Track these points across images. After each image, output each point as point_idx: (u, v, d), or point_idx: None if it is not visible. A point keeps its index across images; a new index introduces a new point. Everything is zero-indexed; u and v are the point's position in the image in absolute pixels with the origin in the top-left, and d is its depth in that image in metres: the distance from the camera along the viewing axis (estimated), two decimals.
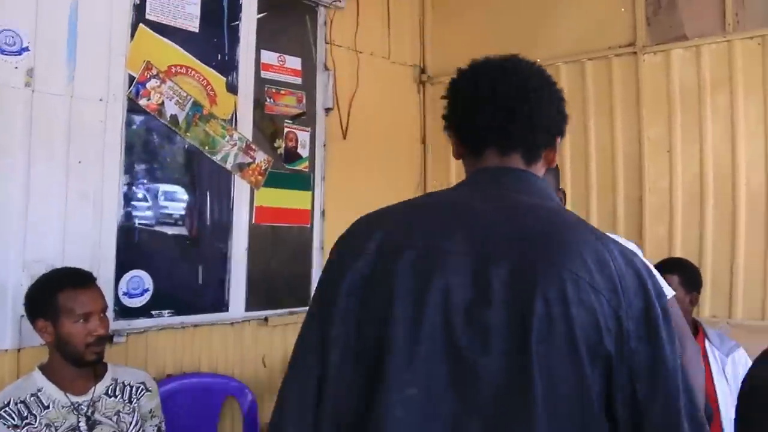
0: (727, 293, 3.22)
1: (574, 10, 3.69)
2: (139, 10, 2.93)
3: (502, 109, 1.24)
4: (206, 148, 3.13)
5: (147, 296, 2.94)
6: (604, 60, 3.58)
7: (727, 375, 2.72)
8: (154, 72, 2.95)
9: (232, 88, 3.25)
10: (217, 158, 3.18)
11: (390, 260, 1.14)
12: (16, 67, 2.55)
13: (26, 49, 2.58)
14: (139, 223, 2.96)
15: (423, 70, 4.25)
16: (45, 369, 2.26)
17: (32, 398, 2.19)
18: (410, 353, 1.07)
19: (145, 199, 3.03)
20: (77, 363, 2.23)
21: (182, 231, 3.14)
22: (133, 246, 2.93)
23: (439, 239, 1.14)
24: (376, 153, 3.94)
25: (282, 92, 3.46)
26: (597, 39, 3.60)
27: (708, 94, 3.30)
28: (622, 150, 3.54)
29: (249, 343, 3.32)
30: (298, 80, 3.54)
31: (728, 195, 3.26)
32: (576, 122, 3.65)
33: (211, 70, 3.16)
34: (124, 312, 2.87)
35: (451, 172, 4.12)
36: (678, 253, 3.27)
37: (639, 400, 1.05)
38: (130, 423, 2.32)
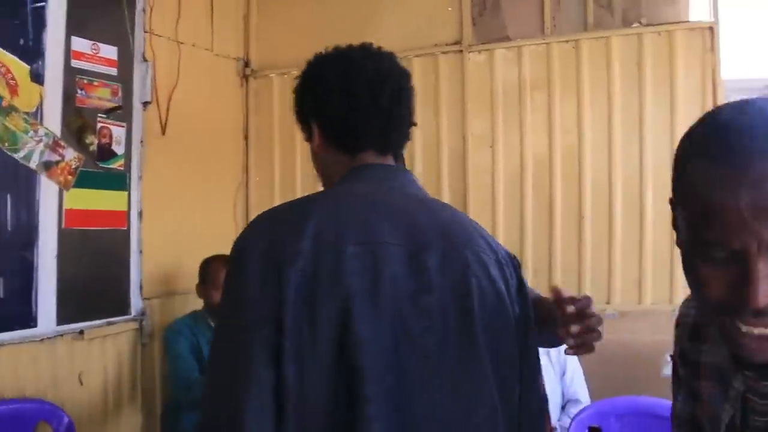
0: (546, 279, 3.40)
1: (402, 6, 3.72)
2: None
3: (381, 115, 1.27)
4: (6, 144, 2.78)
5: None
6: (430, 57, 3.63)
7: (550, 354, 2.95)
8: None
9: (38, 78, 2.88)
10: (18, 156, 2.83)
11: (333, 258, 1.10)
12: None
13: None
14: None
15: (247, 64, 4.07)
16: None
17: None
18: (378, 346, 1.08)
19: None
20: None
21: None
22: None
23: (374, 232, 1.14)
24: (197, 149, 3.72)
25: (95, 84, 3.15)
26: (424, 36, 3.64)
27: (528, 93, 3.47)
28: (447, 145, 3.62)
29: (63, 359, 2.99)
30: (114, 71, 3.22)
31: (546, 188, 3.46)
32: None
33: (12, 56, 2.78)
34: None
35: (274, 169, 4.01)
36: None
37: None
38: None
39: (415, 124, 1.37)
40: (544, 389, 1.28)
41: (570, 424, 2.76)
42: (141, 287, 3.36)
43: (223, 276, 3.27)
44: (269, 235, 1.15)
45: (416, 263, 1.13)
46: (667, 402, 2.72)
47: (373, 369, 1.06)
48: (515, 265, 1.26)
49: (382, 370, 1.07)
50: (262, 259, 1.11)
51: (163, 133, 3.46)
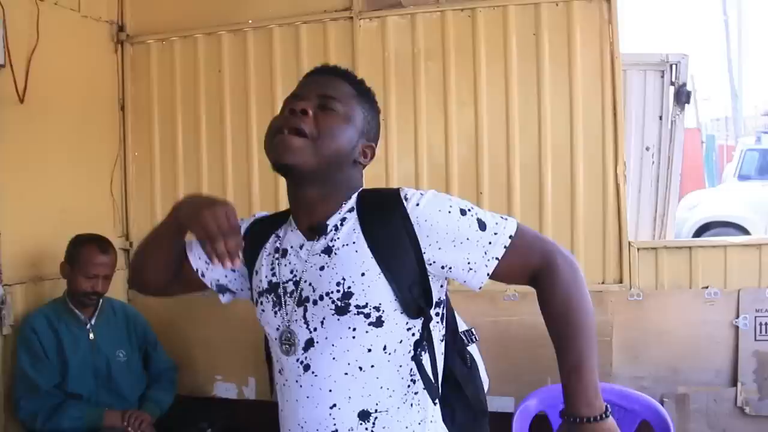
0: None
1: None
2: None
3: None
4: None
5: None
6: (319, 24, 3.41)
7: None
8: None
9: None
10: None
11: None
12: None
13: None
14: None
15: (121, 28, 3.71)
16: None
17: None
18: None
19: None
20: None
21: None
22: None
23: None
24: (65, 121, 3.36)
25: None
26: (312, 2, 3.43)
27: (422, 63, 3.31)
28: None
29: None
30: None
31: (441, 161, 3.33)
32: (290, 87, 3.44)
33: None
34: None
35: (154, 142, 3.71)
36: None
37: None
38: None
39: None
40: None
41: (514, 413, 2.69)
42: (0, 272, 3.01)
43: (97, 263, 2.98)
44: None
45: None
46: (613, 386, 2.71)
47: None
48: None
49: None
50: None
51: (22, 100, 3.07)
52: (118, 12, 3.72)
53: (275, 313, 1.44)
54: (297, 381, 1.41)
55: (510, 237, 1.38)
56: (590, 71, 3.15)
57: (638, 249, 3.15)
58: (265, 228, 1.54)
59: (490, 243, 1.37)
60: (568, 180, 3.18)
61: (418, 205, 1.37)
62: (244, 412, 3.57)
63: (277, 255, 1.47)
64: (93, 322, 3.01)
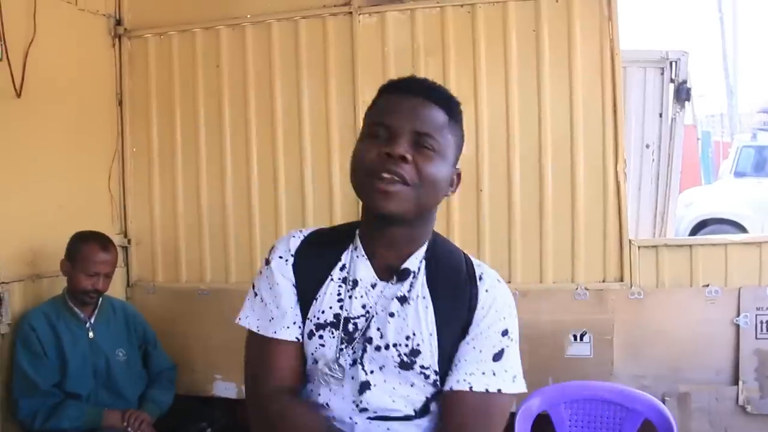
0: None
1: None
2: None
3: None
4: None
5: None
6: (318, 19, 3.39)
7: None
8: None
9: None
10: None
11: None
12: None
13: None
14: None
15: (119, 22, 3.68)
16: None
17: None
18: None
19: None
20: None
21: None
22: None
23: None
24: (63, 116, 3.34)
25: None
26: None
27: (422, 59, 3.29)
28: (337, 115, 3.40)
29: None
30: None
31: None
32: (289, 83, 3.45)
33: None
34: None
35: (152, 137, 3.69)
36: None
37: None
38: None
39: None
40: None
41: (516, 412, 2.67)
42: None
43: (98, 261, 2.94)
44: None
45: None
46: (614, 385, 2.70)
47: None
48: None
49: None
50: None
51: (18, 95, 3.05)
52: (115, 5, 3.69)
53: (341, 350, 1.35)
54: (351, 418, 1.36)
55: (497, 390, 1.32)
56: (590, 68, 3.13)
57: (639, 247, 3.14)
58: (324, 251, 1.41)
59: (483, 373, 1.32)
60: (569, 178, 3.17)
61: (487, 291, 1.36)
62: (243, 411, 3.54)
63: (346, 286, 1.37)
64: (92, 320, 2.98)
